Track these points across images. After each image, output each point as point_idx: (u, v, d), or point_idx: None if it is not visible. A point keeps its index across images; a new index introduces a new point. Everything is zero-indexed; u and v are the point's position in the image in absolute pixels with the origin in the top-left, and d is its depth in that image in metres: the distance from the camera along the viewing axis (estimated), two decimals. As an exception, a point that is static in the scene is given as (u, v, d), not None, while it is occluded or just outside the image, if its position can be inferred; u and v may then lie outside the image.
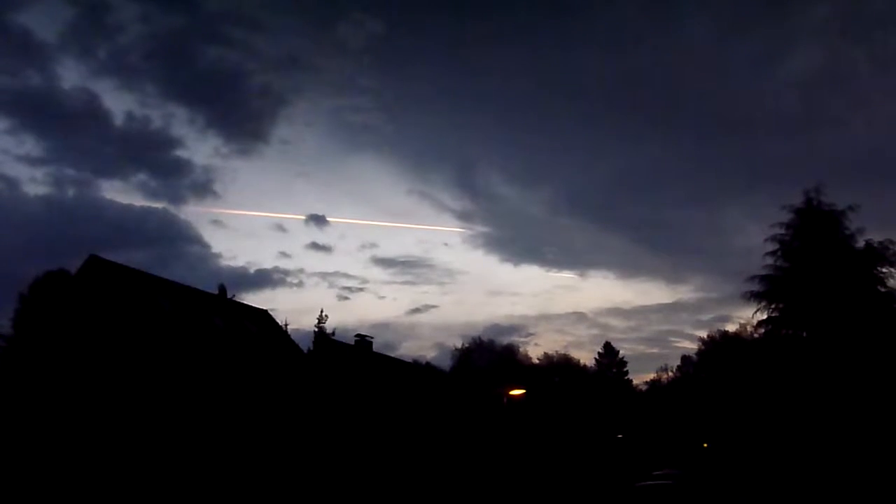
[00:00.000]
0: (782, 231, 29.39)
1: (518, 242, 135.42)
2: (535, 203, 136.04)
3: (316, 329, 36.72)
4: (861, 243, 28.09)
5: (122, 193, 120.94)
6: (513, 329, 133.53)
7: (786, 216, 29.32)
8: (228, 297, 35.68)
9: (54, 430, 24.20)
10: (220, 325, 31.46)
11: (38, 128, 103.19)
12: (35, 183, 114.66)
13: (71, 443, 23.73)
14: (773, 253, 29.52)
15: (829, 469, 25.04)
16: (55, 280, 38.35)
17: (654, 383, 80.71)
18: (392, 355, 51.72)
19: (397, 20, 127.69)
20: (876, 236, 28.16)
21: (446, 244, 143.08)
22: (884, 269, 27.68)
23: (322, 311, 34.49)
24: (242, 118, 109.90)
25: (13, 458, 23.46)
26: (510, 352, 75.36)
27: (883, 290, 27.53)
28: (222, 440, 25.46)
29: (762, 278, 29.58)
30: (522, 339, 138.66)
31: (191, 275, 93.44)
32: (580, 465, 52.34)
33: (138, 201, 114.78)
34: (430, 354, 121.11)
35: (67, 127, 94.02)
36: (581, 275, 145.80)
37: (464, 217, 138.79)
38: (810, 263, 28.06)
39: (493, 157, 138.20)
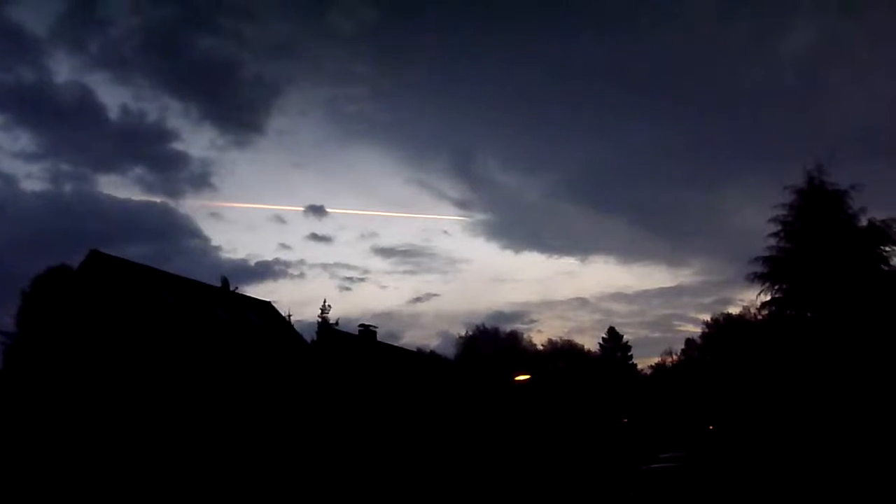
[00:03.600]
0: (784, 212, 29.32)
1: (518, 229, 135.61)
2: (534, 189, 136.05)
3: (319, 319, 36.84)
4: (864, 222, 28.05)
5: (120, 188, 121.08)
6: (515, 316, 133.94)
7: (788, 197, 29.22)
8: (231, 289, 35.71)
9: (59, 425, 24.32)
10: (224, 317, 31.53)
11: (33, 123, 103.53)
12: (32, 179, 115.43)
13: (76, 437, 23.86)
14: (775, 234, 29.47)
15: (835, 452, 25.12)
16: (57, 276, 38.33)
17: (658, 367, 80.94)
18: (396, 344, 51.97)
19: (390, 6, 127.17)
20: (879, 215, 28.12)
21: (446, 232, 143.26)
22: (887, 248, 27.62)
23: (325, 302, 34.65)
24: (237, 109, 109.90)
25: (19, 454, 23.59)
26: (514, 339, 75.64)
27: (886, 268, 27.50)
28: (228, 432, 25.58)
29: (765, 260, 29.55)
30: (525, 326, 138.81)
31: (192, 268, 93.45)
32: (586, 450, 52.55)
33: (136, 195, 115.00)
34: (433, 343, 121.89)
35: (62, 122, 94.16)
36: (582, 260, 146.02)
37: (463, 205, 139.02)
38: (813, 244, 28.03)
39: (490, 143, 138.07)
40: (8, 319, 40.53)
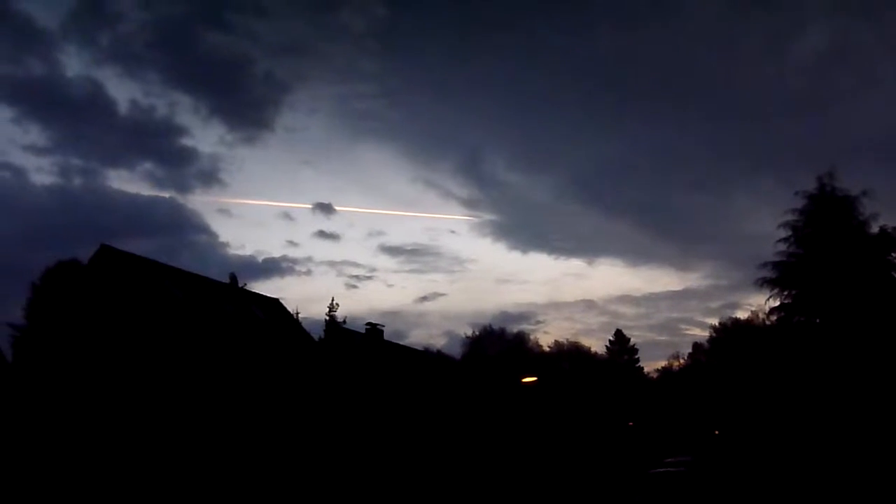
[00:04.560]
0: (795, 217, 29.32)
1: (525, 230, 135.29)
2: (541, 190, 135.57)
3: (327, 317, 36.76)
4: (875, 229, 27.99)
5: (129, 183, 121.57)
6: (522, 317, 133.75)
7: (798, 202, 29.24)
8: (239, 285, 35.81)
9: (68, 417, 24.49)
10: (232, 313, 31.66)
11: (43, 117, 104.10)
12: (42, 172, 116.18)
13: (85, 430, 24.01)
14: (785, 239, 29.47)
15: (842, 458, 25.04)
16: (67, 270, 38.62)
17: (665, 371, 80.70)
18: (403, 343, 52.02)
19: (400, 4, 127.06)
20: (890, 221, 28.07)
21: (453, 232, 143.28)
22: (898, 255, 27.59)
23: (333, 300, 34.53)
24: (246, 106, 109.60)
25: (29, 446, 23.76)
26: (520, 340, 75.36)
27: (897, 275, 27.45)
28: (235, 428, 25.69)
29: (775, 265, 29.53)
30: (532, 327, 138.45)
31: (199, 264, 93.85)
32: (592, 453, 52.47)
33: (145, 190, 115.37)
34: (439, 342, 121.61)
35: (72, 116, 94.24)
36: (589, 262, 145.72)
37: (470, 204, 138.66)
38: (824, 249, 27.97)
39: (498, 143, 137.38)
40: (17, 312, 40.86)
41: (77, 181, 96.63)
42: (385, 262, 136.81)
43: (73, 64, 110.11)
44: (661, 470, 31.21)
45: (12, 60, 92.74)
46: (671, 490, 27.59)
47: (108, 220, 77.95)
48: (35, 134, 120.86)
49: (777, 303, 29.71)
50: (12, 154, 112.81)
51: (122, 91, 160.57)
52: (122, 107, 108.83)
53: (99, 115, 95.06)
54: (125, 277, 27.65)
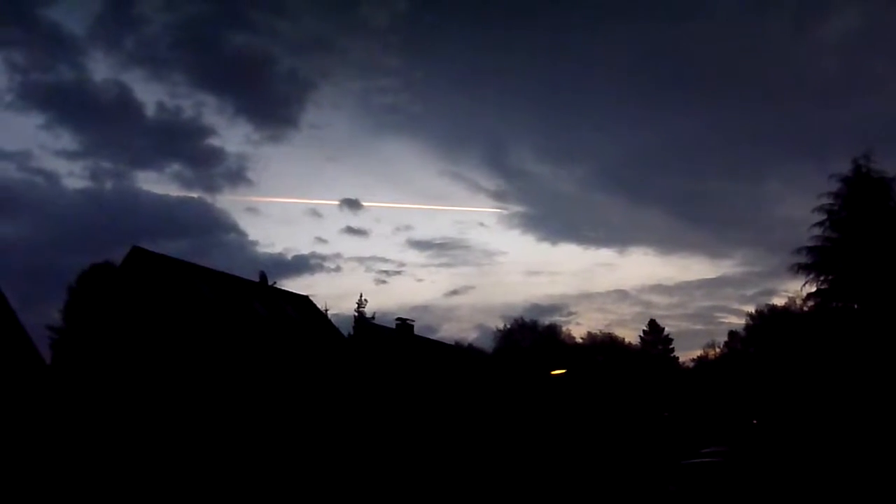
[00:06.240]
0: (830, 201, 28.81)
1: (554, 221, 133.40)
2: (570, 180, 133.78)
3: (356, 314, 37.10)
4: (913, 211, 27.37)
5: (158, 184, 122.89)
6: (554, 309, 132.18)
7: (833, 185, 28.72)
8: (269, 284, 36.22)
9: (106, 417, 24.98)
10: (262, 311, 31.98)
11: (73, 122, 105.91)
12: (73, 177, 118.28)
13: (122, 432, 24.47)
14: (820, 223, 28.98)
15: (884, 447, 24.51)
16: (101, 272, 39.51)
17: (700, 360, 79.75)
18: (434, 338, 52.13)
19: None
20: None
21: (482, 224, 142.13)
22: (938, 237, 26.91)
23: (361, 296, 34.81)
24: (271, 104, 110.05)
25: (68, 446, 24.29)
26: (553, 332, 75.21)
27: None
28: (266, 427, 25.95)
29: (810, 250, 29.06)
30: (564, 319, 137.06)
31: (229, 263, 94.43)
32: (626, 444, 52.12)
33: (174, 191, 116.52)
34: (471, 336, 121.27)
35: (101, 120, 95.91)
36: (620, 252, 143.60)
37: (498, 197, 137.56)
38: (860, 233, 27.43)
39: (524, 134, 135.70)
40: (55, 315, 41.87)
41: (108, 184, 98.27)
42: (414, 256, 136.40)
43: (101, 69, 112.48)
44: (696, 461, 30.79)
45: (41, 67, 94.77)
46: (706, 481, 27.21)
47: (139, 222, 79.28)
48: (66, 139, 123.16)
49: (814, 288, 29.26)
50: (44, 159, 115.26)
51: (149, 94, 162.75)
52: (150, 109, 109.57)
53: (127, 118, 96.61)
54: (157, 278, 28.06)
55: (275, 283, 37.38)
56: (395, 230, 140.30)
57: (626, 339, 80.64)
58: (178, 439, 23.83)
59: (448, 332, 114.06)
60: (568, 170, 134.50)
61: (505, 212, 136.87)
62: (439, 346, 47.69)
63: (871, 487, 21.83)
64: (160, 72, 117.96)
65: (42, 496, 21.08)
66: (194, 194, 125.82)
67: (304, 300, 37.98)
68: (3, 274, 54.28)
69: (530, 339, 71.43)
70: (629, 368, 67.62)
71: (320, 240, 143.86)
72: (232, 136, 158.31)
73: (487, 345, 71.81)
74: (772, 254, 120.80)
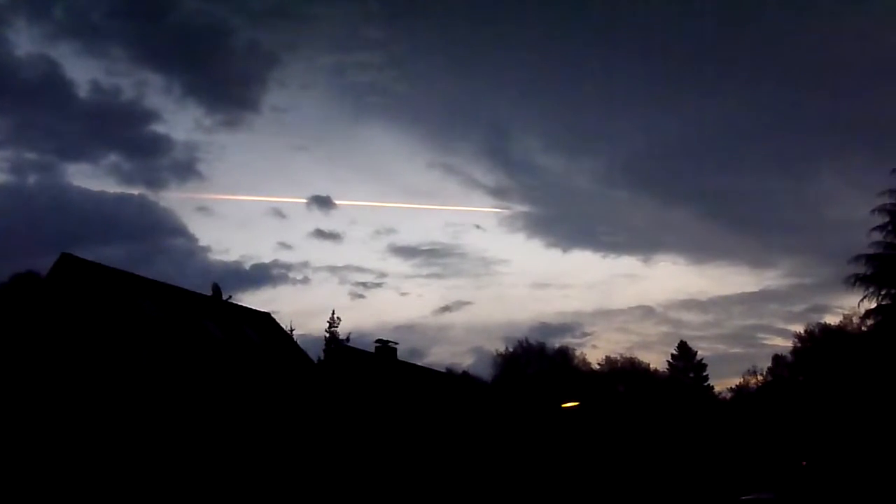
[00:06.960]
0: (893, 200, 29.03)
1: (566, 223, 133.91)
2: (585, 174, 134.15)
3: (327, 334, 36.98)
4: None
5: (92, 179, 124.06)
6: (565, 328, 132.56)
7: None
8: (224, 298, 36.10)
9: (29, 444, 24.87)
10: (216, 332, 31.86)
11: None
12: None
13: (47, 457, 24.38)
14: (881, 227, 29.20)
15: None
16: (24, 283, 39.31)
17: (739, 389, 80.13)
18: (421, 364, 52.09)
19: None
20: None
21: (479, 227, 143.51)
22: None
23: (334, 313, 34.65)
24: (227, 83, 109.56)
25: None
26: (564, 356, 75.42)
27: None
28: (220, 467, 25.83)
29: (869, 258, 29.26)
30: (578, 341, 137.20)
31: (176, 273, 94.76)
32: (651, 490, 52.13)
33: (111, 187, 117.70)
34: (466, 361, 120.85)
35: (24, 102, 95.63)
36: (645, 260, 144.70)
37: (498, 194, 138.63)
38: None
39: (530, 119, 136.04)
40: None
41: (31, 179, 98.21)
42: (397, 265, 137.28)
43: (23, 41, 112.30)
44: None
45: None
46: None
47: (69, 224, 79.16)
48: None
49: (874, 304, 29.48)
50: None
51: (82, 71, 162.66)
52: (82, 89, 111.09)
53: (55, 100, 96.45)
54: (90, 291, 27.98)
55: (230, 297, 37.12)
56: (374, 234, 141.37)
57: (652, 365, 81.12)
58: (115, 472, 23.70)
59: (438, 356, 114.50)
60: (583, 162, 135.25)
61: (507, 212, 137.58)
62: (427, 373, 47.66)
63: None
64: (94, 45, 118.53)
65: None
66: (135, 191, 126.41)
67: (266, 318, 37.87)
68: None
69: (537, 366, 71.57)
70: (655, 399, 67.79)
71: (284, 245, 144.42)
72: (180, 121, 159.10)
73: (485, 372, 71.98)
74: (824, 263, 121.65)
